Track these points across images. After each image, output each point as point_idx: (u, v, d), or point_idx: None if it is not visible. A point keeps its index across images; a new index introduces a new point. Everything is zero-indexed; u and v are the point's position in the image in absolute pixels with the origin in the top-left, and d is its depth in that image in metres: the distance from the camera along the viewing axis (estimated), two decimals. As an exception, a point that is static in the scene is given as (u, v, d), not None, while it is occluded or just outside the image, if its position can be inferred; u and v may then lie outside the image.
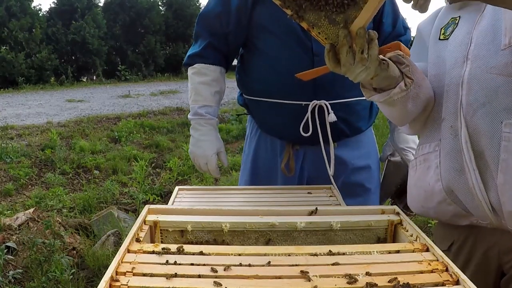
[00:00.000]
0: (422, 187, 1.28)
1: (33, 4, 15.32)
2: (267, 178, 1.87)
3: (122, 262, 0.91)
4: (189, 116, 1.85)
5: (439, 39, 1.29)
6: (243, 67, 1.88)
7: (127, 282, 0.84)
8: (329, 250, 0.99)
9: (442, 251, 0.98)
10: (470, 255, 1.26)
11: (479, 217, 1.19)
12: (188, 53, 1.86)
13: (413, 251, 1.00)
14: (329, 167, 1.74)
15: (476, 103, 1.13)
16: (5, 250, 2.85)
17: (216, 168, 1.82)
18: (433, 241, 1.06)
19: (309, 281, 0.85)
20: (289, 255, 0.97)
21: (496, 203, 1.12)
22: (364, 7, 0.96)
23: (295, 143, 1.82)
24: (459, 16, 1.26)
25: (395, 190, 1.93)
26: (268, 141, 1.88)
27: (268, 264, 0.92)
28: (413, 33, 1.80)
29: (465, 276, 0.86)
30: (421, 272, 0.89)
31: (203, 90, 1.80)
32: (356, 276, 0.86)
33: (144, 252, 0.97)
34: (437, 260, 0.94)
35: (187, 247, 0.99)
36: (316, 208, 1.20)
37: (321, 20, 1.03)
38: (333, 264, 0.92)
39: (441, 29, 1.31)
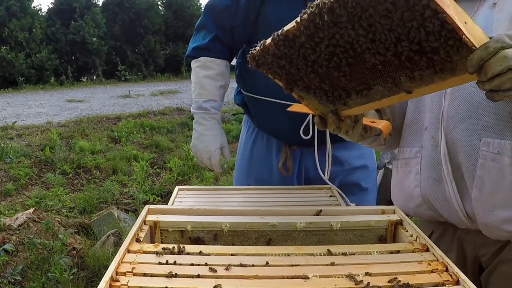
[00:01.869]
0: (403, 189, 1.31)
1: (33, 4, 15.26)
2: (263, 177, 1.86)
3: (122, 262, 0.91)
4: (192, 110, 1.82)
5: None
6: (244, 63, 1.86)
7: (127, 282, 0.84)
8: (329, 250, 0.99)
9: None
10: (448, 247, 1.28)
11: (455, 222, 1.22)
12: (191, 45, 1.81)
13: (413, 251, 1.00)
14: (326, 170, 1.73)
15: (457, 117, 1.14)
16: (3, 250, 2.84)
17: (218, 163, 1.80)
18: None
19: (309, 280, 0.85)
20: (289, 255, 0.97)
21: (471, 213, 1.15)
22: (355, 108, 1.01)
23: (293, 143, 1.81)
24: None
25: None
26: (264, 141, 1.87)
27: (268, 264, 0.92)
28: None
29: (465, 276, 0.86)
30: (421, 272, 0.89)
31: (208, 84, 1.77)
32: (356, 276, 0.86)
33: (144, 252, 0.97)
34: (437, 260, 0.94)
35: (187, 247, 0.99)
36: (321, 210, 1.20)
37: (311, 98, 1.07)
38: (333, 264, 0.92)
39: None
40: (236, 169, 2.01)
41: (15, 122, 7.40)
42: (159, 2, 18.36)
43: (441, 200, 1.20)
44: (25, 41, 14.16)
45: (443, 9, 0.70)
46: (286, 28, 0.94)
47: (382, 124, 1.14)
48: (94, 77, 16.44)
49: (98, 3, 16.98)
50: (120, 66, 16.06)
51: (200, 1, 19.09)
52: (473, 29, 0.76)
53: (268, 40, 0.99)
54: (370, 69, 0.88)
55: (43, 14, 15.92)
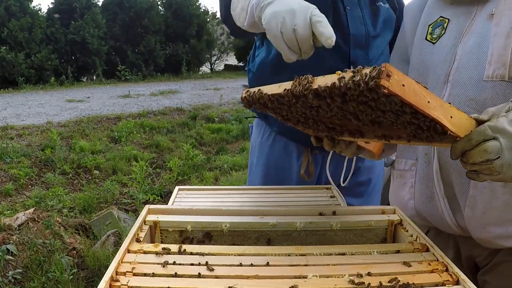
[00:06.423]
0: (398, 199, 1.32)
1: (33, 4, 15.26)
2: (282, 183, 1.75)
3: (122, 262, 0.91)
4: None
5: (426, 39, 1.23)
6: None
7: (127, 282, 0.84)
8: (329, 251, 0.99)
9: None
10: (445, 244, 1.29)
11: (449, 232, 1.24)
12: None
13: (413, 251, 1.00)
14: (342, 175, 1.69)
15: None
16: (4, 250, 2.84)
17: (308, 28, 1.07)
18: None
19: (308, 280, 0.85)
20: (289, 255, 0.97)
21: (465, 227, 1.16)
22: (349, 138, 1.06)
23: (314, 148, 1.75)
24: (449, 20, 1.19)
25: None
26: (282, 146, 1.78)
27: (268, 264, 0.92)
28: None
29: (465, 276, 0.86)
30: (421, 272, 0.89)
31: None
32: (356, 276, 0.86)
33: (144, 252, 0.97)
34: (437, 260, 0.94)
35: (187, 247, 0.99)
36: (335, 211, 1.21)
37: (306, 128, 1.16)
38: (333, 265, 0.92)
39: (429, 26, 1.23)
40: (250, 175, 1.90)
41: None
42: (158, 2, 18.36)
43: (434, 215, 1.21)
44: (25, 41, 14.16)
45: (429, 114, 0.75)
46: (275, 91, 0.97)
47: (374, 145, 1.18)
48: (94, 77, 16.44)
49: (98, 3, 16.98)
50: (120, 66, 16.06)
51: (200, 1, 19.09)
52: (459, 119, 0.81)
53: (258, 92, 1.02)
54: (361, 125, 0.93)
55: (43, 14, 15.91)
